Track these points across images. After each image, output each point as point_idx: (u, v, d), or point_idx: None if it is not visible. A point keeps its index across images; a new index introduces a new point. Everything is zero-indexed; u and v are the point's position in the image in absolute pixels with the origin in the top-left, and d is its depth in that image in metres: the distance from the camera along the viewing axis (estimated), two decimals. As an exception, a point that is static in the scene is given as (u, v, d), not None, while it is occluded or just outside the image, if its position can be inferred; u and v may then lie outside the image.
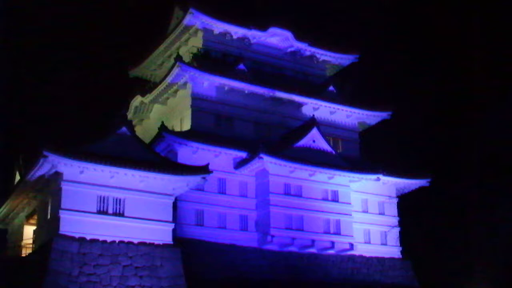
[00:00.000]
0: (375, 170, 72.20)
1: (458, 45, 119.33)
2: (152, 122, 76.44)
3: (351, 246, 70.04)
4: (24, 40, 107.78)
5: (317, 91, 78.41)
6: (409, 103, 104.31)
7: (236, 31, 77.20)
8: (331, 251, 69.58)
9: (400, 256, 76.34)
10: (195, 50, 74.85)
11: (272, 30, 78.48)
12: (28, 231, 62.04)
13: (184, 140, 64.67)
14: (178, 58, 69.45)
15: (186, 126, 69.87)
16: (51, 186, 54.95)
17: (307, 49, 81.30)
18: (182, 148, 64.72)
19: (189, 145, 64.77)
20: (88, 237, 52.44)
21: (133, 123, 66.69)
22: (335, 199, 70.66)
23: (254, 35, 78.21)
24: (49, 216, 54.98)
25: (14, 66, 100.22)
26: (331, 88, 79.49)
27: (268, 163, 66.13)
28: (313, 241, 67.78)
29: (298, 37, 79.94)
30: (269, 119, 74.22)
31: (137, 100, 77.60)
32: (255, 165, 66.72)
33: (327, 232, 69.00)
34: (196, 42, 76.10)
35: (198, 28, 75.61)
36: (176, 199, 60.37)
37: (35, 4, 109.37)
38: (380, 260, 73.89)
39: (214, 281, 60.81)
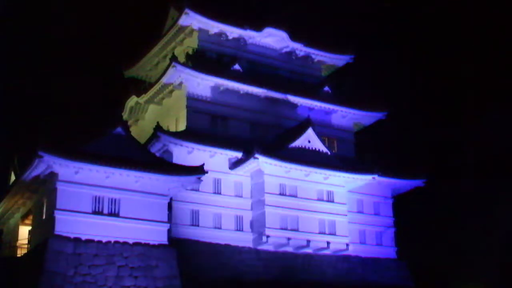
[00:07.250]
0: (371, 171, 72.16)
1: (455, 44, 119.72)
2: (147, 122, 76.34)
3: (347, 246, 70.00)
4: (20, 40, 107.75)
5: (313, 92, 78.41)
6: (404, 104, 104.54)
7: (232, 32, 77.13)
8: (327, 252, 69.63)
9: (396, 257, 76.38)
10: (190, 51, 74.80)
11: (268, 30, 78.38)
12: (23, 231, 61.94)
13: (180, 140, 64.61)
14: (174, 59, 69.38)
15: (182, 126, 69.84)
16: (47, 186, 54.90)
17: (303, 50, 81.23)
18: (177, 148, 64.66)
19: (185, 145, 64.72)
20: (84, 238, 52.47)
21: (129, 123, 66.54)
22: (330, 199, 70.63)
23: (250, 36, 78.13)
24: (44, 216, 54.94)
25: (10, 66, 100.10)
26: (326, 88, 79.57)
27: (263, 163, 66.11)
28: (308, 241, 67.74)
29: (294, 37, 79.85)
30: (264, 119, 74.18)
31: (132, 100, 77.52)
32: (250, 165, 66.68)
33: (322, 233, 68.95)
34: (192, 43, 76.02)
35: (193, 28, 75.52)
36: (171, 199, 60.39)
37: (31, 4, 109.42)
38: (375, 261, 73.96)
39: (209, 281, 60.82)
